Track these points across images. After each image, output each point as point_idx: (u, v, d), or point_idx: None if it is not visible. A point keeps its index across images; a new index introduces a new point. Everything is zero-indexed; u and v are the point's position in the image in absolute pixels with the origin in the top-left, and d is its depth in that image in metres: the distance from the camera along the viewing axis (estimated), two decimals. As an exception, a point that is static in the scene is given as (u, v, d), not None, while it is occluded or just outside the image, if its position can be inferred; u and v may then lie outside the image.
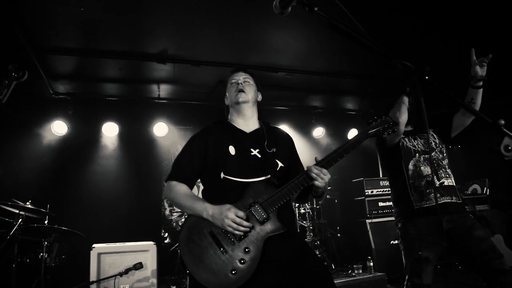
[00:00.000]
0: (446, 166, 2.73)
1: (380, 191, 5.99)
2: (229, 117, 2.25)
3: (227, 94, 2.27)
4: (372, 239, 5.66)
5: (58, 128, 5.57)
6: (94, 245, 3.94)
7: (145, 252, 4.03)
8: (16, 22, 3.85)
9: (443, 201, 2.60)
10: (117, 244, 4.06)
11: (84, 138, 5.83)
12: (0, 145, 5.16)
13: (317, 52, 5.12)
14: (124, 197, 5.82)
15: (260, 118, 2.29)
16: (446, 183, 2.66)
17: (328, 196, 6.48)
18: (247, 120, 2.19)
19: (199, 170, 2.08)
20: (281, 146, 2.16)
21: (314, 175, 1.90)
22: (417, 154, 2.72)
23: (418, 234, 2.56)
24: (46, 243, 4.17)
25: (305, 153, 7.03)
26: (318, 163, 1.95)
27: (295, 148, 2.30)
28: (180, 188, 2.03)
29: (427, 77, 1.23)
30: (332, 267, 5.68)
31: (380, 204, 5.93)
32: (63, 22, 4.03)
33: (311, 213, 5.69)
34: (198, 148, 2.09)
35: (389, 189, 5.79)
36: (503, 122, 1.39)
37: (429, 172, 2.65)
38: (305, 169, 1.95)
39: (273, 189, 1.92)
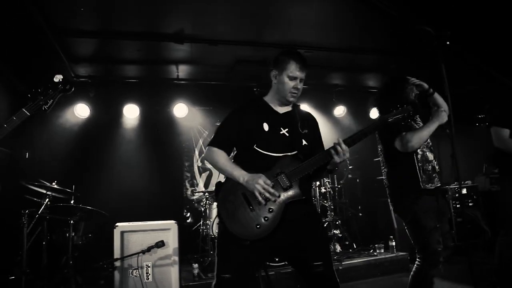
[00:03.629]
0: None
1: (403, 170, 5.85)
2: (268, 94, 2.45)
3: (277, 75, 2.35)
4: (394, 218, 5.57)
5: (81, 110, 5.68)
6: (117, 224, 4.03)
7: (167, 230, 4.10)
8: (34, 6, 3.88)
9: (439, 185, 2.95)
10: (140, 223, 4.15)
11: (106, 120, 5.93)
12: (26, 128, 5.29)
13: (336, 28, 4.97)
14: (146, 177, 5.93)
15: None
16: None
17: (349, 176, 6.40)
18: (284, 104, 2.42)
19: (235, 140, 2.38)
20: (310, 128, 2.43)
21: (339, 148, 2.15)
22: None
23: (429, 206, 2.84)
24: (72, 221, 4.31)
25: (326, 132, 6.93)
26: (344, 141, 2.20)
27: (319, 129, 2.56)
28: (221, 154, 2.34)
29: (448, 43, 1.16)
30: (353, 246, 5.67)
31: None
32: (81, 4, 4.04)
33: (332, 192, 5.65)
34: (235, 122, 2.37)
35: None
36: None
37: (433, 158, 2.97)
38: (333, 143, 2.20)
39: (298, 163, 2.23)
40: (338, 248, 5.47)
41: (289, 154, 2.26)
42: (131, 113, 5.96)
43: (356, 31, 5.03)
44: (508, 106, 3.28)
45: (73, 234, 4.41)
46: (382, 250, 5.31)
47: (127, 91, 5.89)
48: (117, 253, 3.93)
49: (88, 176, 5.50)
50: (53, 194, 4.34)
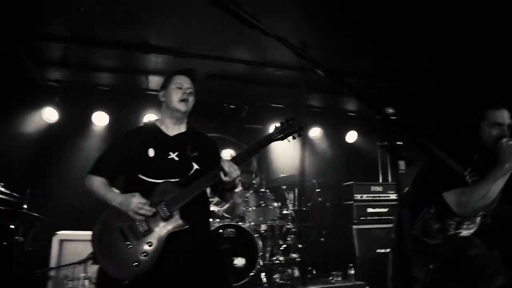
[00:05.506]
0: None
1: (370, 196, 5.73)
2: (160, 115, 2.38)
3: (164, 93, 2.31)
4: (357, 246, 5.43)
5: (49, 114, 5.62)
6: (57, 232, 3.94)
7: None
8: (4, 8, 3.89)
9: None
10: (81, 232, 4.04)
11: (74, 126, 5.85)
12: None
13: (311, 48, 4.92)
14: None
15: (189, 122, 2.39)
16: None
17: (320, 199, 6.27)
18: (176, 124, 2.31)
19: (119, 167, 2.23)
20: (203, 151, 2.28)
21: (226, 169, 2.05)
22: None
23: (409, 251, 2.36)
24: (15, 226, 4.20)
25: (299, 153, 6.86)
26: (233, 159, 2.13)
27: (215, 150, 2.46)
28: (96, 179, 2.20)
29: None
30: (313, 272, 5.51)
31: (369, 210, 5.66)
32: (53, 8, 4.02)
33: (293, 214, 5.51)
34: (121, 148, 2.25)
35: (381, 195, 5.58)
36: (390, 110, 1.24)
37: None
38: (220, 165, 2.10)
39: (179, 189, 2.09)
40: (296, 273, 5.31)
41: (170, 180, 2.11)
42: (100, 120, 5.89)
43: (332, 53, 4.99)
44: None
45: (22, 239, 4.30)
46: (340, 278, 5.15)
47: (97, 98, 5.85)
48: (53, 262, 3.83)
49: (48, 181, 5.41)
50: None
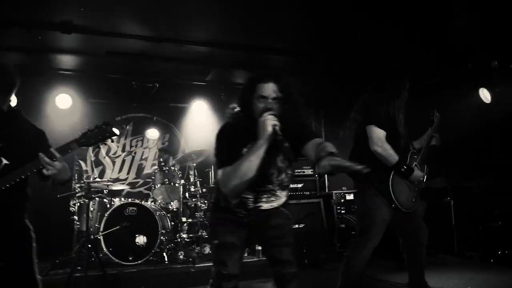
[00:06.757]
0: None
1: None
2: None
3: None
4: (269, 221, 5.39)
5: None
6: None
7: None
8: None
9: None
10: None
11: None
12: None
13: (224, 23, 4.77)
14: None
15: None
16: None
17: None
18: None
19: None
20: (16, 143, 2.02)
21: (44, 162, 1.93)
22: None
23: (222, 218, 2.32)
24: None
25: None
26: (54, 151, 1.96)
27: (44, 142, 2.16)
28: None
29: None
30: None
31: (292, 185, 5.60)
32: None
33: (200, 192, 5.43)
34: None
35: (296, 171, 5.55)
36: None
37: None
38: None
39: None
40: (207, 250, 5.29)
41: None
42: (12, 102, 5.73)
43: (243, 28, 4.84)
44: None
45: None
46: (246, 254, 5.13)
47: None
48: None
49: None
50: None
